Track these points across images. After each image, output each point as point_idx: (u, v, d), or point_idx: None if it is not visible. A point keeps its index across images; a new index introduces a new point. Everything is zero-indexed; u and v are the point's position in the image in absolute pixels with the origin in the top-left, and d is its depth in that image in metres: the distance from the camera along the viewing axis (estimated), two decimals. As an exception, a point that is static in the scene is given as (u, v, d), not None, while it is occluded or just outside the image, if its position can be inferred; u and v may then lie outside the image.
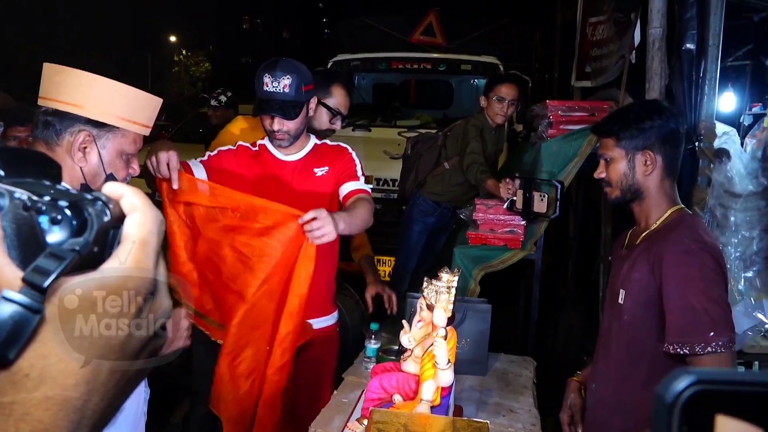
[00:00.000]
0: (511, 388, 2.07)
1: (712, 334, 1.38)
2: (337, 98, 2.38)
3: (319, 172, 2.07)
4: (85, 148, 1.31)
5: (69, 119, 1.29)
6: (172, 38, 23.40)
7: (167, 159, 1.73)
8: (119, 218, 0.43)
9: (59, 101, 1.28)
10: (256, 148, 2.10)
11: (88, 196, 0.42)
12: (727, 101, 3.29)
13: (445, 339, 1.57)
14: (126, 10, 18.92)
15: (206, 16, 22.84)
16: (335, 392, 1.97)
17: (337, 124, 2.40)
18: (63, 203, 0.39)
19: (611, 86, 3.18)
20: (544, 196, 2.55)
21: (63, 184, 0.43)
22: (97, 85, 1.30)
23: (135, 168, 1.42)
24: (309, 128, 2.18)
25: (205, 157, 2.05)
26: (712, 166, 2.05)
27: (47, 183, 0.41)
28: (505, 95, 3.20)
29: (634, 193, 1.58)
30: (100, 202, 0.42)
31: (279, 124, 1.98)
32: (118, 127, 1.33)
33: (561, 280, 4.14)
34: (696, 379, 0.31)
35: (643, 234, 1.59)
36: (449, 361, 1.57)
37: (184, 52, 24.22)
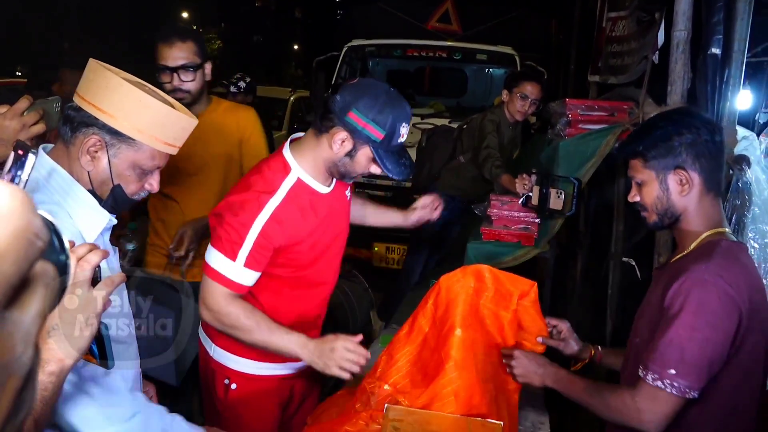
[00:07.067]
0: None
1: (671, 371, 1.29)
2: None
3: (348, 192, 1.89)
4: (96, 152, 1.25)
5: (86, 119, 1.24)
6: (185, 14, 23.23)
7: None
8: None
9: (83, 98, 1.25)
10: (291, 183, 1.67)
11: None
12: (743, 99, 3.25)
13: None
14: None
15: (219, -8, 22.66)
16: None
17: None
18: None
19: (630, 84, 3.15)
20: (560, 193, 2.53)
21: None
22: (120, 91, 1.22)
23: (153, 185, 1.34)
24: (345, 171, 1.72)
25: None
26: (731, 173, 2.03)
27: None
28: (529, 93, 3.18)
29: (671, 216, 1.45)
30: None
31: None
32: (134, 139, 1.25)
33: (568, 275, 4.14)
34: None
35: (676, 257, 1.47)
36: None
37: (195, 28, 24.08)
